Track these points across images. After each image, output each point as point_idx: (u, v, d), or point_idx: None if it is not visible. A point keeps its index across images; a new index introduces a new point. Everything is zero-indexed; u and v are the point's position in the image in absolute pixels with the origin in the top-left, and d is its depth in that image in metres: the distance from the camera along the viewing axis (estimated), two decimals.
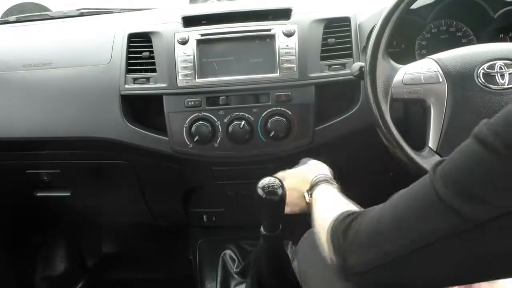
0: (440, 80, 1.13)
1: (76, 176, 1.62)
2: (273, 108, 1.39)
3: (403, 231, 0.66)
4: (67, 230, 2.19)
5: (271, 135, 1.38)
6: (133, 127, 1.43)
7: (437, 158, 1.09)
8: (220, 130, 1.40)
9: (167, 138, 1.42)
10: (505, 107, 0.60)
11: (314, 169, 1.18)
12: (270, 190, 1.16)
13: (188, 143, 1.41)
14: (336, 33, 1.44)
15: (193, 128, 1.39)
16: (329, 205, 0.98)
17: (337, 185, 1.11)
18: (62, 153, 1.53)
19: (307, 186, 1.13)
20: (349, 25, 1.45)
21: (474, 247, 0.62)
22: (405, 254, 0.66)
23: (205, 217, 1.70)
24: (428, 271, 0.67)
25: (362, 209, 0.84)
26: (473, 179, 0.60)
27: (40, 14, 1.82)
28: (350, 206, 0.93)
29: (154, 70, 1.44)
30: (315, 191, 1.10)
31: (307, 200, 1.13)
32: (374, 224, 0.71)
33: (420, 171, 1.08)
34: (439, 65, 1.14)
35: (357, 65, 1.21)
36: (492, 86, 1.09)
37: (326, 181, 1.10)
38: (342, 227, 0.77)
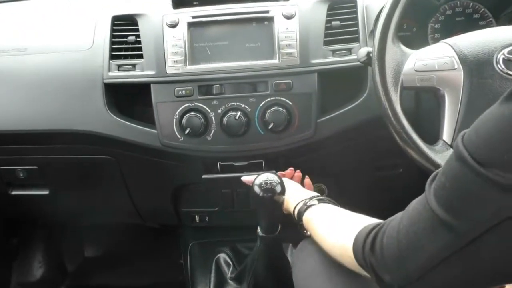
0: (456, 66, 1.12)
1: (55, 173, 1.61)
2: (272, 98, 1.38)
3: (419, 253, 0.72)
4: (46, 232, 2.18)
5: (270, 127, 1.38)
6: (117, 118, 1.42)
7: (451, 152, 1.09)
8: (214, 122, 1.39)
9: (155, 131, 1.41)
10: (478, 118, 0.66)
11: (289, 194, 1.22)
12: (268, 187, 1.16)
13: (179, 136, 1.40)
14: (341, 15, 1.43)
15: (184, 120, 1.38)
16: (335, 224, 1.02)
17: (315, 200, 1.15)
18: (39, 147, 1.52)
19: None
20: (355, 7, 1.44)
21: (477, 260, 0.68)
22: (427, 272, 0.72)
23: (197, 217, 1.70)
24: (452, 280, 0.72)
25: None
26: (455, 194, 0.67)
27: None
28: (355, 217, 0.98)
29: (140, 56, 1.43)
30: (305, 224, 1.13)
31: (307, 234, 1.16)
32: (395, 246, 0.76)
33: (433, 167, 1.07)
34: (454, 50, 1.14)
35: (364, 50, 1.21)
36: None
37: (305, 206, 1.15)
38: (368, 243, 0.81)
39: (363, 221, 0.91)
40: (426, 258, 0.71)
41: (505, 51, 1.10)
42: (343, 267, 1.00)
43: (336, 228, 1.00)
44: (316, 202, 1.14)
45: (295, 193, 1.24)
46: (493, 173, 0.61)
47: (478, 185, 0.63)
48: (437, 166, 1.06)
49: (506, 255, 0.66)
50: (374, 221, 0.91)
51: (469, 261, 0.68)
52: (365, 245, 0.82)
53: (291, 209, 1.21)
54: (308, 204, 1.15)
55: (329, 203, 1.14)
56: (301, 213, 1.15)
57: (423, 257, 0.71)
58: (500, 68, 1.09)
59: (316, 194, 1.20)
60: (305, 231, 1.16)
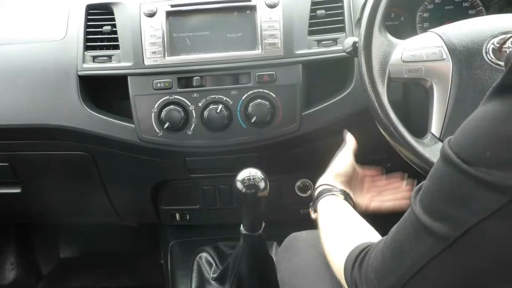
0: (444, 57, 1.13)
1: (28, 170, 1.60)
2: (255, 90, 1.38)
3: (400, 261, 0.75)
4: (19, 232, 2.16)
5: (253, 121, 1.38)
6: (93, 112, 1.42)
7: (439, 145, 1.10)
8: (194, 115, 1.39)
9: (133, 125, 1.41)
10: (465, 121, 0.69)
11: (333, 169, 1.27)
12: (251, 184, 1.16)
13: (158, 130, 1.40)
14: (326, 3, 1.44)
15: (163, 114, 1.38)
16: (338, 230, 1.05)
17: (341, 194, 1.17)
18: (10, 143, 1.51)
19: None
20: None
21: (456, 265, 0.70)
22: (406, 282, 0.75)
23: (177, 216, 1.70)
24: None
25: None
26: (438, 196, 0.69)
27: None
28: (359, 230, 1.01)
29: (117, 47, 1.43)
30: (319, 206, 1.15)
31: (313, 217, 1.17)
32: (379, 259, 0.79)
33: (421, 161, 1.08)
34: (443, 39, 1.14)
35: (350, 40, 1.21)
36: (503, 63, 1.09)
37: (329, 192, 1.17)
38: (358, 262, 0.85)
39: (362, 237, 0.94)
40: (406, 267, 0.74)
41: (495, 40, 1.11)
42: (329, 267, 1.01)
43: (338, 240, 1.01)
44: (342, 196, 1.17)
45: (333, 175, 1.25)
46: (477, 170, 0.63)
47: (462, 184, 0.65)
48: (425, 159, 1.07)
49: (481, 261, 0.68)
50: (373, 236, 0.95)
51: (446, 268, 0.70)
52: (355, 264, 0.85)
53: (317, 183, 1.24)
54: (332, 191, 1.17)
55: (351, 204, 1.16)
56: (320, 195, 1.17)
57: (404, 266, 0.74)
58: (490, 58, 1.10)
59: (346, 191, 1.21)
60: (314, 213, 1.17)
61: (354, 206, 1.18)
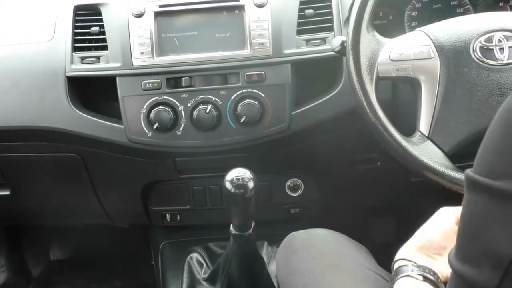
0: (432, 55, 1.13)
1: (17, 172, 1.59)
2: (244, 90, 1.38)
3: None
4: (8, 234, 2.15)
5: (242, 120, 1.38)
6: (81, 113, 1.41)
7: (428, 144, 1.10)
8: (183, 116, 1.39)
9: (122, 126, 1.41)
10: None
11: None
12: (240, 183, 1.16)
13: (147, 131, 1.39)
14: (314, 3, 1.44)
15: (152, 114, 1.38)
16: None
17: (419, 274, 0.92)
18: None
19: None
20: None
21: None
22: None
23: (168, 216, 1.69)
24: None
25: None
26: (470, 234, 0.60)
27: None
28: None
29: (105, 48, 1.42)
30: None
31: None
32: None
33: (410, 159, 1.08)
34: (430, 38, 1.15)
35: (338, 39, 1.21)
36: (490, 62, 1.10)
37: (404, 273, 0.94)
38: None
39: None
40: None
41: (482, 39, 1.11)
42: (326, 264, 1.01)
43: None
44: (420, 277, 0.91)
45: (416, 247, 0.98)
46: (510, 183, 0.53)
47: (493, 205, 0.56)
48: (414, 158, 1.07)
49: None
50: None
51: None
52: None
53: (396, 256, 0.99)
54: (409, 272, 0.92)
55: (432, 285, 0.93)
56: (396, 275, 0.94)
57: None
58: (477, 56, 1.10)
59: (427, 266, 0.93)
60: None
61: (438, 280, 0.92)
